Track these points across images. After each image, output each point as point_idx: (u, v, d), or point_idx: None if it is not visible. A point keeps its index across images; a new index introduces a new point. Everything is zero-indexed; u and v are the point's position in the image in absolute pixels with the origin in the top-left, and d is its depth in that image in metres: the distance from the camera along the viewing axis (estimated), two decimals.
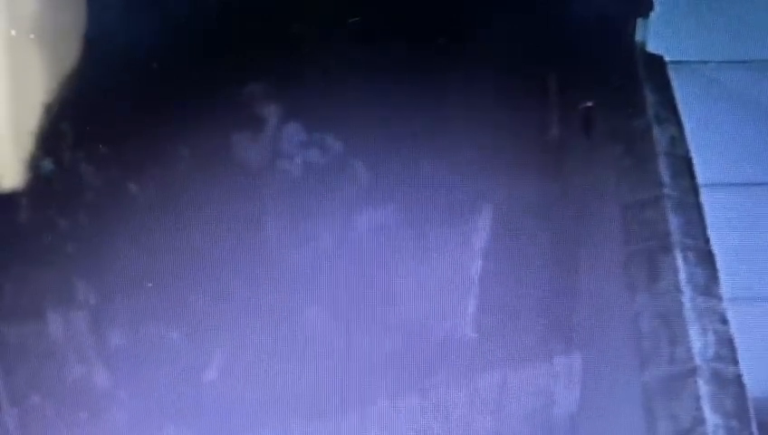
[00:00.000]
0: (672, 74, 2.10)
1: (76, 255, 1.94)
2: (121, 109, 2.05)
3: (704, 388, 1.58)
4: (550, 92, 2.14)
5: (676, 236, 1.79)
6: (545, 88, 2.14)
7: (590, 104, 2.08)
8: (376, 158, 2.03)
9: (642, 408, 1.61)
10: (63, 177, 2.00)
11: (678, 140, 1.97)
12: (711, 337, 1.65)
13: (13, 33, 1.99)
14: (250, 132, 2.05)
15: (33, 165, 1.99)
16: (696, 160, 1.94)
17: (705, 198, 1.88)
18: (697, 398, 1.57)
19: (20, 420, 1.83)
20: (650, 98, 2.05)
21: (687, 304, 1.69)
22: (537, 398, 1.84)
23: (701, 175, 1.92)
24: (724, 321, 1.68)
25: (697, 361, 1.61)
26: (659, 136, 1.97)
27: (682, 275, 1.73)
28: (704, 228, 1.82)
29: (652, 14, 2.16)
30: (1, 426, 1.81)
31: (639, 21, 2.17)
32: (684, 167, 1.93)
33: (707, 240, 1.81)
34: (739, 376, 1.60)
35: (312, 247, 1.96)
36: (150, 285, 1.91)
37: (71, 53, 2.05)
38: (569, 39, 2.15)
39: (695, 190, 1.88)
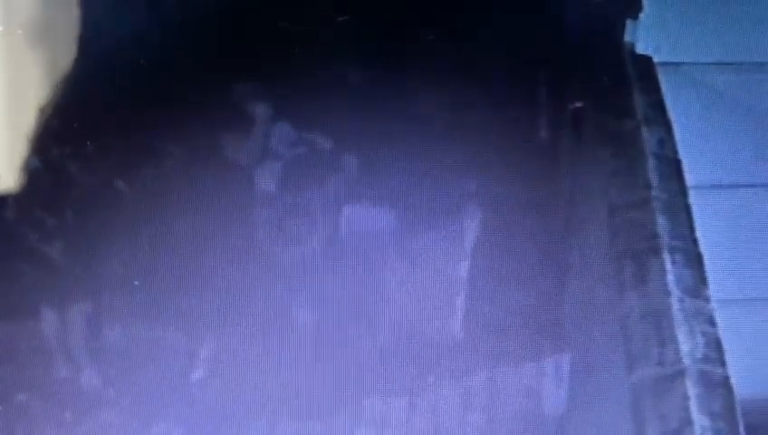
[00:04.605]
0: (661, 76, 2.10)
1: (63, 253, 1.93)
2: (109, 106, 2.04)
3: (692, 389, 1.58)
4: (539, 93, 2.13)
5: (664, 238, 1.79)
6: (535, 89, 2.14)
7: (580, 105, 2.08)
8: (365, 157, 2.02)
9: (630, 409, 1.61)
10: (51, 174, 1.99)
11: (667, 141, 1.97)
12: (699, 339, 1.65)
13: (0, 28, 1.98)
14: (239, 131, 2.05)
15: (21, 163, 1.98)
16: (684, 162, 1.94)
17: (693, 199, 1.88)
18: (685, 399, 1.57)
19: (6, 419, 1.82)
20: (639, 99, 2.04)
21: (676, 306, 1.69)
22: (526, 398, 1.84)
23: (689, 177, 1.92)
24: (713, 323, 1.68)
25: (685, 362, 1.61)
26: (648, 137, 1.96)
27: (670, 277, 1.73)
28: (692, 230, 1.82)
29: (641, 15, 2.16)
30: None
31: (629, 22, 2.17)
32: (672, 169, 1.92)
33: (696, 242, 1.81)
34: (727, 378, 1.60)
35: (301, 247, 1.95)
36: (137, 283, 1.90)
37: (59, 51, 2.04)
38: (558, 40, 2.15)
39: (683, 192, 1.88)
